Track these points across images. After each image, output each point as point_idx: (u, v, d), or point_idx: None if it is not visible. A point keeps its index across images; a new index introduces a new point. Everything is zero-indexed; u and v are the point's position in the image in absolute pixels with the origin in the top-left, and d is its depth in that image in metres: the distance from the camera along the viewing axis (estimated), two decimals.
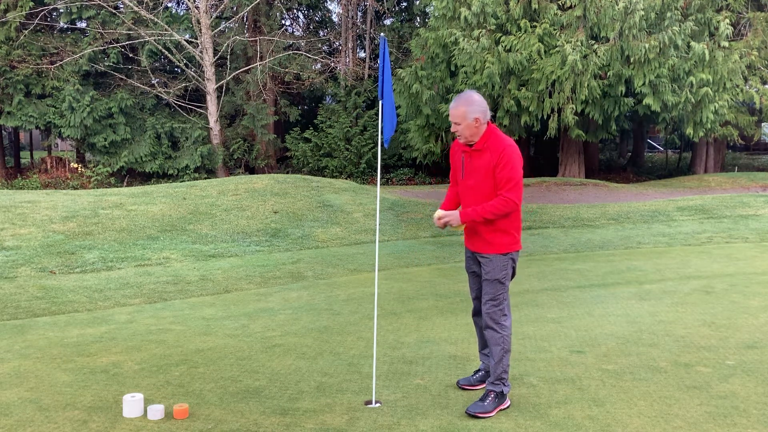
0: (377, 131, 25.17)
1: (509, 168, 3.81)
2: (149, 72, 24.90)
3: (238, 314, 6.63)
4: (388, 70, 4.26)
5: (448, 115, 4.00)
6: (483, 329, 4.08)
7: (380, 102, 4.32)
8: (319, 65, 27.64)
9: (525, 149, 25.45)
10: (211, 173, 24.76)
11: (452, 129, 3.95)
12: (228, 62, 24.77)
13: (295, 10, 29.29)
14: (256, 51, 25.18)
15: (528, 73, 17.47)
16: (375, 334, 4.38)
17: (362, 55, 28.76)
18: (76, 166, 25.08)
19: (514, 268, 4.03)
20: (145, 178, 24.85)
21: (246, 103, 25.49)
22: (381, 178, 24.44)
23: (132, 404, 3.95)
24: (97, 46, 23.69)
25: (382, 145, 24.63)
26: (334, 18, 30.19)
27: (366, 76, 26.70)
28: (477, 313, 4.29)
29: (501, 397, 3.96)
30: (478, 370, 4.38)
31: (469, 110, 3.85)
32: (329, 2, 31.32)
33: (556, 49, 17.01)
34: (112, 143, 24.03)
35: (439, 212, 4.05)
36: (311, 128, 25.95)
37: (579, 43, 16.78)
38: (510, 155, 3.83)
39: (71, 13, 23.74)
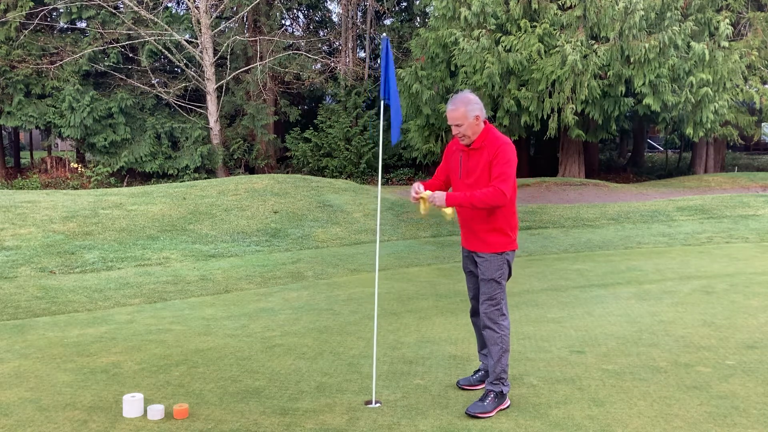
0: (377, 131, 25.24)
1: (503, 163, 3.83)
2: (149, 72, 24.90)
3: (238, 314, 6.63)
4: (392, 70, 4.24)
5: (447, 118, 3.99)
6: (481, 329, 4.08)
7: (383, 101, 4.33)
8: (319, 65, 27.63)
9: (525, 149, 25.44)
10: (211, 173, 24.76)
11: (454, 132, 3.94)
12: (228, 62, 24.77)
13: (295, 10, 29.29)
14: (256, 51, 25.17)
15: (528, 73, 17.47)
16: (375, 334, 4.38)
17: (362, 55, 28.75)
18: (76, 166, 25.08)
19: (510, 268, 4.04)
20: (145, 178, 24.85)
21: (246, 103, 25.48)
22: (381, 178, 24.41)
23: (132, 404, 3.95)
24: (97, 46, 23.68)
25: (387, 144, 24.65)
26: (334, 18, 30.19)
27: (366, 76, 26.68)
28: (475, 314, 4.30)
29: (501, 397, 3.97)
30: (478, 370, 4.39)
31: (468, 109, 3.87)
32: (329, 2, 31.30)
33: (556, 49, 17.01)
34: (112, 143, 24.03)
35: (423, 191, 3.92)
36: (311, 128, 25.94)
37: (579, 43, 16.78)
38: (506, 152, 3.85)
39: (71, 13, 23.73)
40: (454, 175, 4.11)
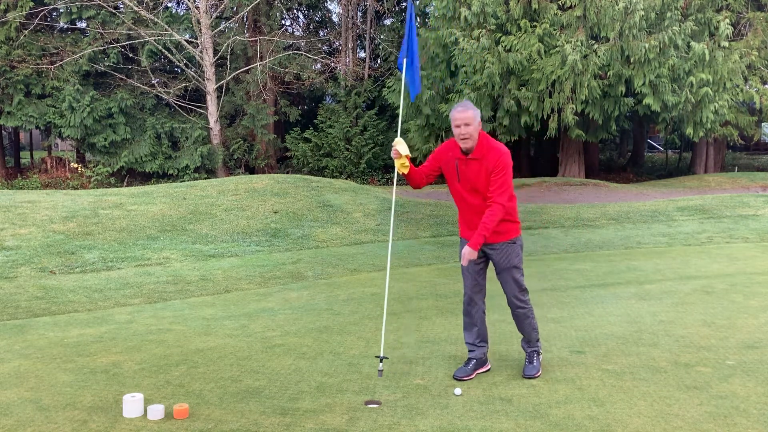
0: (377, 131, 25.24)
1: (503, 174, 4.21)
2: (149, 72, 24.88)
3: (238, 314, 6.63)
4: (413, 30, 4.77)
5: (449, 117, 4.32)
6: (512, 311, 4.46)
7: (405, 60, 4.79)
8: (319, 65, 27.61)
9: (525, 149, 25.43)
10: (211, 173, 24.75)
11: (461, 131, 4.20)
12: (228, 62, 24.76)
13: (295, 10, 29.28)
14: (256, 51, 25.16)
15: (528, 73, 17.46)
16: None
17: (362, 55, 28.74)
18: (76, 166, 25.06)
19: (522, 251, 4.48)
20: (145, 178, 24.84)
21: (246, 103, 25.47)
22: (381, 178, 24.44)
23: (132, 404, 3.95)
24: (97, 46, 23.67)
25: (387, 144, 24.67)
26: (334, 18, 30.19)
27: (366, 76, 26.67)
28: (471, 303, 4.54)
29: (539, 355, 4.61)
30: (470, 360, 4.57)
31: (475, 114, 4.22)
32: (329, 2, 31.29)
33: (556, 49, 17.01)
34: (112, 143, 24.01)
35: (464, 255, 4.24)
36: (311, 128, 25.93)
37: (579, 43, 16.78)
38: (506, 163, 4.22)
39: (71, 13, 23.72)
40: (452, 178, 4.43)
